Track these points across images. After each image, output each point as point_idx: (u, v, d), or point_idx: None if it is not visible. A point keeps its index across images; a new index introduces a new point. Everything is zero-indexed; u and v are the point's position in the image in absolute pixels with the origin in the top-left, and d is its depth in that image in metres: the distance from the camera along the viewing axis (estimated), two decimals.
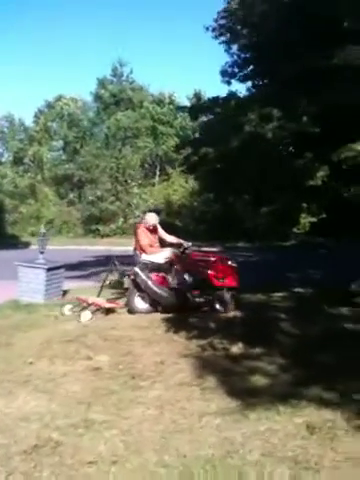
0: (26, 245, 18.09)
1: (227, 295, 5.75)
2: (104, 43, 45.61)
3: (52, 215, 25.39)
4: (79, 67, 46.41)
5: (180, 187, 25.36)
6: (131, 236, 13.41)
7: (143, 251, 6.12)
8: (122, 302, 6.27)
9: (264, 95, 10.63)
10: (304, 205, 18.25)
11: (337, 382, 3.34)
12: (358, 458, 2.38)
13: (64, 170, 27.53)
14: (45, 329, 5.12)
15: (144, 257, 6.06)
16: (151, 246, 6.15)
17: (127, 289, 6.21)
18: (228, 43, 13.00)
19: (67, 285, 7.61)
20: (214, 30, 12.70)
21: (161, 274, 5.97)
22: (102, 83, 30.53)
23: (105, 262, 7.82)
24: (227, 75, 12.94)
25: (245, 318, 5.36)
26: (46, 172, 28.05)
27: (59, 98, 30.18)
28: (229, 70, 12.94)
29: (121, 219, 24.65)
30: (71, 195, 27.15)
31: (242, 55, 12.80)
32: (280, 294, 6.69)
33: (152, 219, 6.31)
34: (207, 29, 12.69)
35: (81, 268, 10.55)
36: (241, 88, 56.07)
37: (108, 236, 23.96)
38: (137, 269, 5.86)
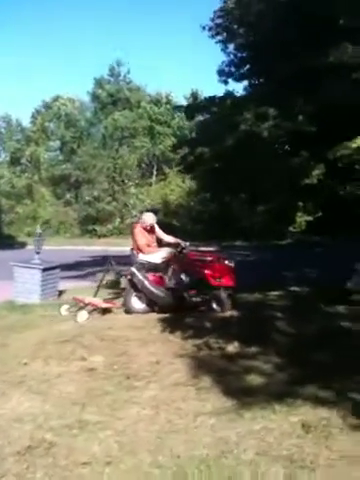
0: (22, 245, 18.06)
1: (224, 294, 5.73)
2: (101, 43, 45.90)
3: (49, 215, 25.37)
4: (76, 67, 46.53)
5: (177, 187, 25.37)
6: (128, 236, 13.39)
7: (140, 251, 6.09)
8: (119, 302, 6.25)
9: (260, 94, 10.65)
10: (300, 204, 18.30)
11: (333, 380, 3.33)
12: (353, 456, 2.37)
13: (61, 170, 27.51)
14: (40, 329, 5.09)
15: (141, 257, 6.03)
16: (148, 246, 6.12)
17: (124, 289, 6.19)
18: (225, 42, 13.01)
19: (63, 285, 7.60)
20: (210, 29, 12.71)
21: (158, 274, 5.95)
22: (99, 83, 30.51)
23: (102, 262, 7.80)
24: (224, 74, 12.95)
25: (241, 317, 5.34)
26: (43, 172, 28.02)
27: (56, 98, 30.15)
28: (226, 69, 12.97)
29: (118, 219, 24.65)
30: (68, 195, 27.14)
31: (239, 54, 12.81)
32: (276, 293, 6.68)
33: (149, 219, 6.29)
34: (203, 28, 12.70)
35: (78, 268, 10.54)
36: (238, 87, 56.01)
37: (105, 236, 23.94)
38: (134, 269, 5.85)
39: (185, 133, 26.44)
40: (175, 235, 6.55)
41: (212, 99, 12.46)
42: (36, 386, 3.42)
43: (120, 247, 12.45)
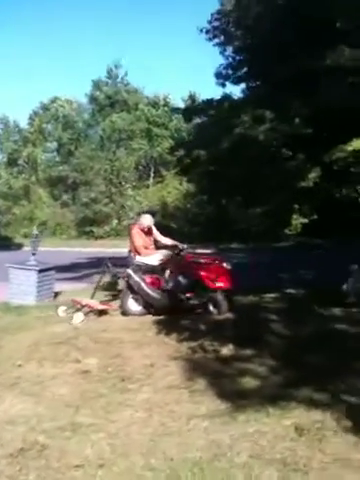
0: (19, 247, 18.01)
1: (221, 297, 5.72)
2: (99, 45, 45.83)
3: (46, 217, 25.33)
4: (74, 69, 46.54)
5: (174, 189, 25.39)
6: (125, 238, 13.37)
7: (137, 253, 6.08)
8: (115, 304, 6.23)
9: (257, 97, 10.70)
10: (296, 206, 18.34)
11: (327, 383, 3.32)
12: (346, 459, 2.37)
13: (58, 172, 27.51)
14: (35, 331, 5.07)
15: (138, 259, 6.02)
16: (146, 248, 6.10)
17: (121, 291, 6.17)
18: (222, 45, 13.06)
19: (59, 287, 7.57)
20: (208, 32, 12.77)
21: (155, 276, 5.94)
22: (97, 85, 30.56)
23: (98, 264, 7.77)
24: (222, 77, 13.01)
25: (236, 320, 5.33)
26: (40, 173, 28.02)
27: (54, 100, 30.17)
28: (223, 72, 13.02)
29: (115, 221, 24.63)
30: (65, 197, 27.12)
31: (236, 57, 12.88)
32: (272, 295, 6.67)
33: (147, 221, 6.27)
34: (201, 31, 12.75)
35: (74, 270, 10.50)
36: (235, 90, 56.10)
37: (102, 238, 23.92)
38: (130, 271, 5.83)
39: (183, 135, 26.50)
40: (172, 237, 6.54)
41: (210, 102, 12.50)
42: (29, 388, 3.41)
43: (116, 249, 12.46)
